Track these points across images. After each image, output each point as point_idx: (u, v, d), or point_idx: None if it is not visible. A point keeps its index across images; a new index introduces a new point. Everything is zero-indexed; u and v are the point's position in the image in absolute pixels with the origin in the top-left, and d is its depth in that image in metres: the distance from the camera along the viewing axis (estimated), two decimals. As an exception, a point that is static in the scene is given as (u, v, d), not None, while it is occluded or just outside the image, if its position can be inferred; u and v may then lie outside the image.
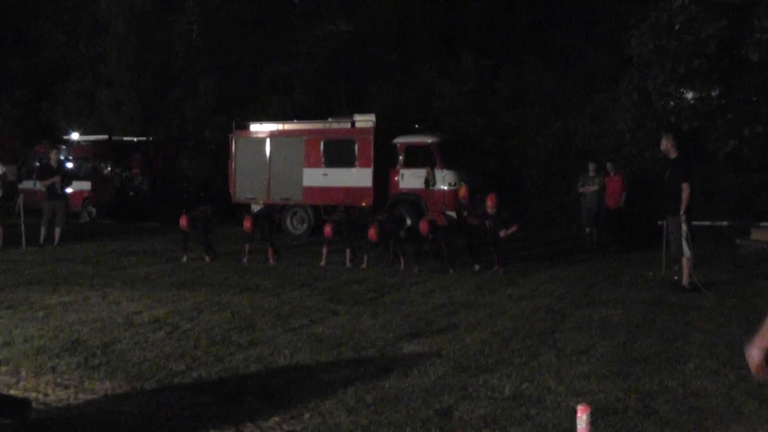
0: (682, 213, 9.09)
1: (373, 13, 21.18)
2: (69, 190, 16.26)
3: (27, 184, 19.17)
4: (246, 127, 18.36)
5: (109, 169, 20.78)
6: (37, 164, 19.01)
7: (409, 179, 15.88)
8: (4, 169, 17.39)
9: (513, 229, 11.45)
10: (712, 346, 6.75)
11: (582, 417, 2.85)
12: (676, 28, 13.88)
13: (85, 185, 19.91)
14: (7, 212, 15.51)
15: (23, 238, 14.59)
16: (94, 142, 21.29)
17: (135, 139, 21.50)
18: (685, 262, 9.43)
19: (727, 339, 6.97)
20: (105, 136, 21.39)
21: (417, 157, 15.79)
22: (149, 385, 5.70)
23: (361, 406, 5.11)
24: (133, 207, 20.71)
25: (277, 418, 4.86)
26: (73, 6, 26.83)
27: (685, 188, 8.95)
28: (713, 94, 14.72)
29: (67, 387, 5.66)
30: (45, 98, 27.16)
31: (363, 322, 7.97)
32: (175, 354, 6.67)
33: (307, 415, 4.93)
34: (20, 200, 15.07)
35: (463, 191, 13.46)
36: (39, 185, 15.60)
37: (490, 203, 11.26)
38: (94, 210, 20.51)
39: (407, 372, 5.95)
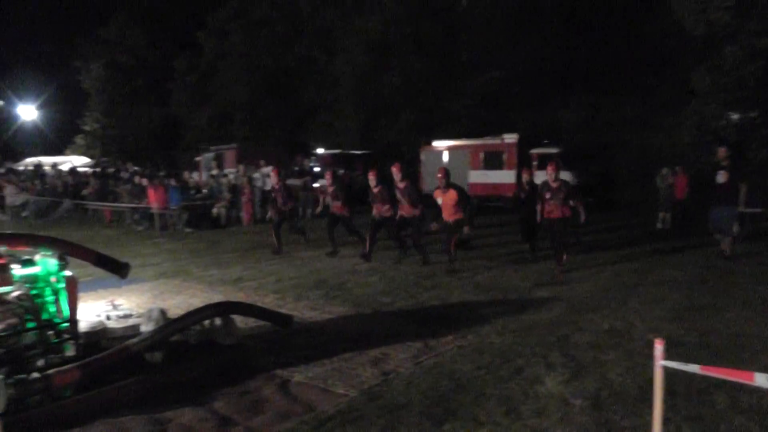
0: (739, 203, 10.38)
1: (516, 64, 27.01)
2: (316, 185, 20.66)
3: (289, 182, 24.16)
4: (430, 143, 24.01)
5: (342, 171, 25.68)
6: (296, 168, 24.42)
7: (540, 178, 18.67)
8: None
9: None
10: (749, 299, 7.78)
11: (658, 347, 3.59)
12: (726, 68, 18.02)
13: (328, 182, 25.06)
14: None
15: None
16: (332, 154, 27.32)
17: (358, 152, 27.47)
18: (730, 239, 10.68)
19: (760, 294, 8.02)
20: (339, 150, 27.97)
21: (545, 162, 18.86)
22: (367, 311, 7.53)
23: (507, 331, 6.55)
24: (356, 197, 25.35)
25: (450, 337, 6.36)
26: (320, 70, 33.93)
27: (743, 186, 10.29)
28: (752, 115, 18.65)
29: (315, 309, 7.66)
30: (301, 127, 35.32)
31: (508, 275, 9.73)
32: (384, 291, 8.62)
33: (470, 336, 6.40)
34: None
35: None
36: (296, 182, 19.83)
37: (550, 169, 10.20)
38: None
39: (538, 310, 7.46)
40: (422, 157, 24.00)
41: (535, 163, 20.33)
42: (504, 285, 9.01)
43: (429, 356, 5.75)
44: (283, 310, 7.25)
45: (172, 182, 18.45)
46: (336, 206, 12.02)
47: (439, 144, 23.70)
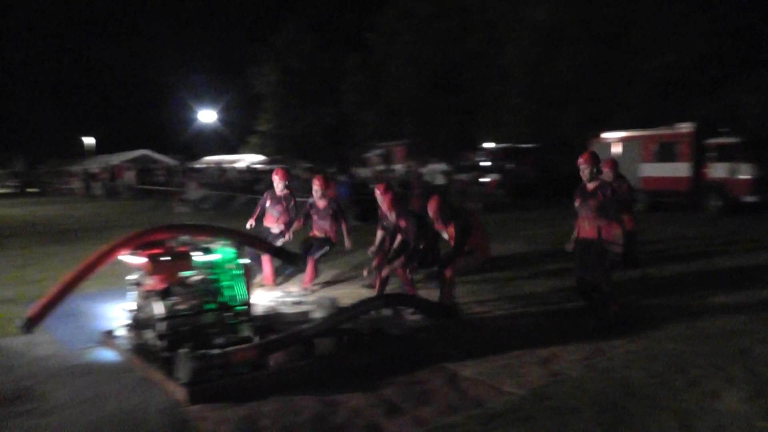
0: None
1: (692, 45, 25.59)
2: (486, 179, 20.97)
3: (458, 177, 24.84)
4: (599, 136, 22.96)
5: (512, 165, 25.84)
6: (464, 163, 24.88)
7: (717, 170, 19.05)
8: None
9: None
10: None
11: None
12: None
13: (497, 176, 25.14)
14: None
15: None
16: (502, 148, 27.18)
17: (527, 146, 27.35)
18: None
19: None
20: (509, 144, 27.75)
21: (723, 154, 19.01)
22: (537, 309, 7.43)
23: (681, 338, 6.15)
24: (525, 189, 25.44)
25: (621, 340, 6.10)
26: (488, 63, 34.29)
27: None
28: None
29: (483, 304, 7.66)
30: (470, 121, 35.60)
31: (686, 279, 9.07)
32: (555, 288, 8.45)
33: (642, 341, 6.10)
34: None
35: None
36: (464, 177, 19.71)
37: (606, 168, 8.76)
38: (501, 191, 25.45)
39: (715, 316, 6.90)
40: (591, 150, 23.18)
41: (711, 154, 19.37)
42: (682, 287, 8.47)
43: (599, 359, 5.57)
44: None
45: (342, 178, 19.32)
46: None
47: (609, 136, 22.85)
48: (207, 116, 48.78)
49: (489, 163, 25.80)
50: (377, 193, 7.86)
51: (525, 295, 8.03)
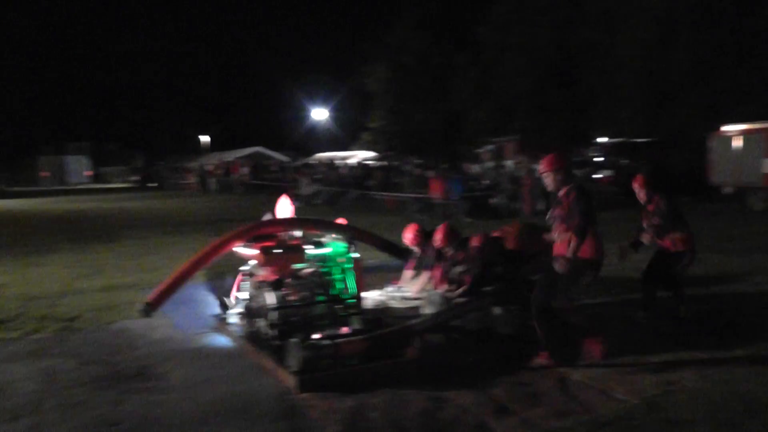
0: None
1: None
2: (598, 176, 21.23)
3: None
4: (719, 129, 21.43)
5: (626, 161, 24.70)
6: (577, 159, 23.78)
7: None
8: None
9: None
10: None
11: None
12: None
13: (610, 173, 24.11)
14: None
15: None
16: (615, 143, 26.37)
17: (642, 140, 26.27)
18: None
19: None
20: (623, 139, 26.90)
21: None
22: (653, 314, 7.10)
23: None
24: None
25: (742, 351, 5.68)
26: (602, 54, 33.45)
27: None
28: None
29: (600, 306, 7.45)
30: (583, 115, 34.80)
31: None
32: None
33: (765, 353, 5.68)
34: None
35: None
36: (577, 173, 19.52)
37: (636, 185, 7.02)
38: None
39: None
40: (710, 144, 21.66)
41: None
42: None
43: (717, 371, 5.24)
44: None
45: (454, 174, 19.42)
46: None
47: (730, 129, 21.20)
48: (319, 114, 50.30)
49: (602, 159, 24.93)
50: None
51: (636, 298, 7.65)
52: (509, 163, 22.65)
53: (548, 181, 5.54)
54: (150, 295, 6.17)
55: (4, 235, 16.82)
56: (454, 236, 6.64)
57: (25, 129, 68.54)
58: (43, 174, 62.82)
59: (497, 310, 6.05)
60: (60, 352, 6.16)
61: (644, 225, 6.80)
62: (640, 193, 6.80)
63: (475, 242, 6.49)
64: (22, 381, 5.33)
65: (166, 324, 6.89)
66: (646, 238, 6.81)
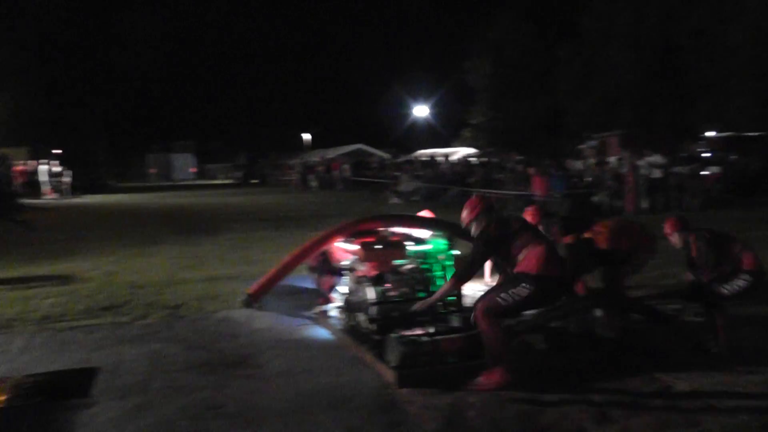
0: None
1: None
2: (706, 172, 20.29)
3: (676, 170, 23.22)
4: None
5: (736, 156, 23.62)
6: (684, 155, 23.19)
7: None
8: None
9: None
10: None
11: None
12: None
13: (718, 169, 22.79)
14: None
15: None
16: (724, 137, 25.45)
17: (753, 134, 25.26)
18: None
19: None
20: (732, 133, 25.93)
21: None
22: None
23: None
24: (750, 184, 22.86)
25: None
26: (712, 43, 32.07)
27: None
28: None
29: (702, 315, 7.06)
30: (691, 108, 33.78)
31: None
32: None
33: None
34: None
35: None
36: (683, 170, 19.30)
37: (669, 231, 6.08)
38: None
39: None
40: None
41: None
42: None
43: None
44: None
45: (556, 171, 19.08)
46: None
47: None
48: (421, 111, 50.55)
49: (709, 155, 23.73)
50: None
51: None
52: (612, 160, 21.99)
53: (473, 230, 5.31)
54: (252, 287, 6.38)
55: (114, 227, 17.79)
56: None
57: (134, 129, 72.46)
58: (151, 171, 66.25)
59: (598, 313, 5.91)
60: (166, 337, 6.48)
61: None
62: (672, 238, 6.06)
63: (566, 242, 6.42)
64: (130, 362, 5.65)
65: (267, 315, 7.10)
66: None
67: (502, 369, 4.82)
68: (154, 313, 7.48)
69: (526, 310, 5.10)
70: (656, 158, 19.39)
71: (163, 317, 7.29)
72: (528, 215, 6.89)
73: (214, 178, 64.21)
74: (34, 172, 33.34)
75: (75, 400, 4.83)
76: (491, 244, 5.10)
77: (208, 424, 4.36)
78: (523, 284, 4.76)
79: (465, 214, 5.34)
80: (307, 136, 61.34)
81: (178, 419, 4.45)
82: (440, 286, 6.15)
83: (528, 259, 4.87)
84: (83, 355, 5.94)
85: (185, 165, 68.16)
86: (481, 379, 4.84)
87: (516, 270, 4.92)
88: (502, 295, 4.80)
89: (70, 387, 5.14)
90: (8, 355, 6.03)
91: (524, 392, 4.75)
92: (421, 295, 5.94)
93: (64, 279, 9.80)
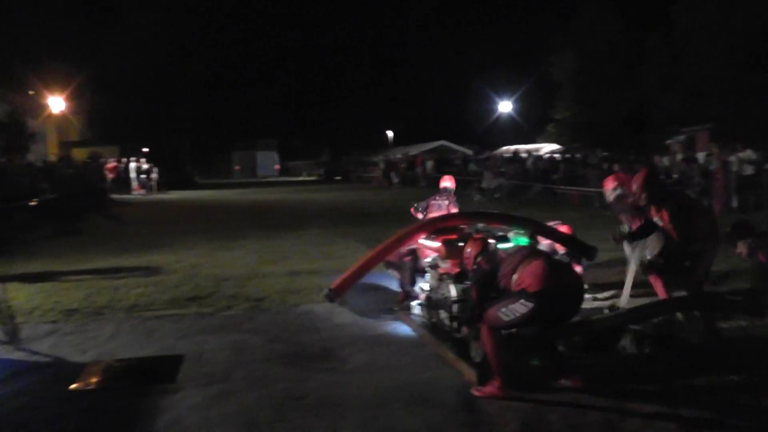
0: None
1: None
2: None
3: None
4: None
5: None
6: None
7: None
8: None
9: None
10: None
11: None
12: None
13: None
14: None
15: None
16: None
17: None
18: None
19: None
20: None
21: None
22: None
23: None
24: None
25: None
26: None
27: None
28: None
29: None
30: None
31: None
32: None
33: None
34: None
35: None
36: None
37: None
38: None
39: None
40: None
41: None
42: None
43: None
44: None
45: (642, 167, 18.49)
46: None
47: None
48: (504, 106, 50.16)
49: None
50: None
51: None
52: (700, 156, 21.07)
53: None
54: (334, 282, 6.44)
55: (199, 222, 18.38)
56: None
57: (220, 127, 74.85)
58: (236, 168, 68.25)
59: (680, 316, 5.71)
60: (248, 328, 6.66)
61: None
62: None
63: None
64: (214, 351, 5.84)
65: (349, 310, 7.19)
66: None
67: (500, 381, 4.69)
68: (237, 305, 7.70)
69: (532, 325, 4.85)
70: (748, 154, 18.38)
71: (246, 309, 7.49)
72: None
73: (298, 175, 65.45)
74: (124, 170, 34.82)
75: (161, 385, 5.04)
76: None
77: (288, 414, 4.45)
78: (522, 301, 4.61)
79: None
80: (390, 133, 61.81)
81: (259, 408, 4.57)
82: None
83: (524, 276, 4.73)
84: (169, 343, 6.18)
85: (269, 162, 69.86)
86: (481, 387, 4.77)
87: (515, 288, 4.77)
88: (503, 310, 4.66)
89: (156, 372, 5.37)
90: (99, 340, 6.38)
91: (607, 397, 4.64)
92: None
93: (151, 270, 10.22)
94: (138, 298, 8.16)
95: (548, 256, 5.20)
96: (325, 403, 4.60)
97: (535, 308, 4.55)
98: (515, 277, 4.78)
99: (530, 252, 5.06)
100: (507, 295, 4.75)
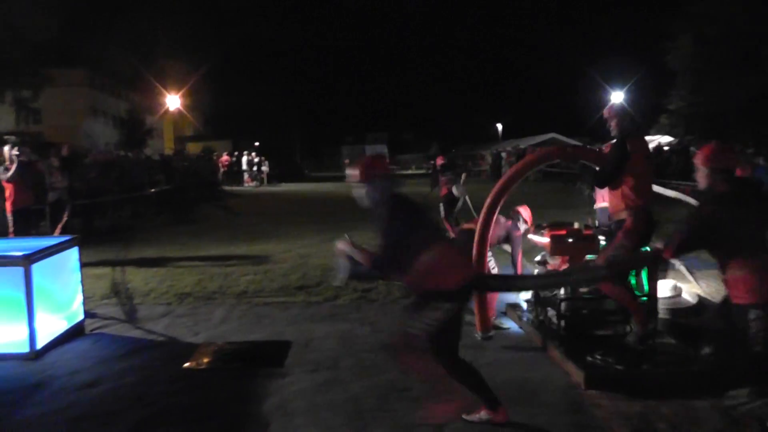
0: None
1: None
2: None
3: None
4: None
5: None
6: None
7: None
8: None
9: None
10: None
11: None
12: None
13: None
14: None
15: None
16: None
17: None
18: None
19: None
20: None
21: None
22: None
23: None
24: None
25: None
26: None
27: None
28: None
29: None
30: None
31: None
32: None
33: None
34: None
35: None
36: None
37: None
38: None
39: None
40: None
41: None
42: None
43: None
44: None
45: (761, 161, 17.41)
46: None
47: None
48: (616, 97, 48.55)
49: None
50: None
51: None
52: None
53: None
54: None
55: (307, 213, 18.82)
56: None
57: (331, 121, 76.35)
58: (346, 161, 69.69)
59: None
60: (355, 318, 6.79)
61: None
62: None
63: None
64: (322, 339, 5.99)
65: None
66: None
67: (455, 402, 4.25)
68: (345, 295, 7.83)
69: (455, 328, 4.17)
70: None
71: (353, 300, 7.61)
72: None
73: (407, 168, 65.87)
74: (236, 163, 36.13)
75: (269, 369, 5.23)
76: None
77: (393, 405, 4.52)
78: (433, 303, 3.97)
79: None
80: (499, 126, 61.23)
81: (365, 397, 4.66)
82: (634, 285, 5.87)
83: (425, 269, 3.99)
84: (277, 329, 6.39)
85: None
86: (435, 405, 4.32)
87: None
88: (416, 324, 3.99)
89: (265, 357, 5.55)
90: (210, 323, 6.71)
91: (719, 404, 4.42)
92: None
93: (260, 259, 10.57)
94: (248, 285, 8.46)
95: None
96: (429, 396, 4.60)
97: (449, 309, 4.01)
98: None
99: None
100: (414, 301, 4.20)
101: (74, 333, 6.37)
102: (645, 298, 5.68)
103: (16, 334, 5.70)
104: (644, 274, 6.00)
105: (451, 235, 10.93)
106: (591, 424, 4.25)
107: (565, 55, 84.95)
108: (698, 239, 4.26)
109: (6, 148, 10.12)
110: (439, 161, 13.86)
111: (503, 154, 41.37)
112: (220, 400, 4.70)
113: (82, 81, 43.62)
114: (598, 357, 4.99)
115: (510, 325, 6.45)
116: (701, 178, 4.43)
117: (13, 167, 9.68)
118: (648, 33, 55.18)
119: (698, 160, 4.48)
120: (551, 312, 5.80)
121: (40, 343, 5.79)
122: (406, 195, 4.45)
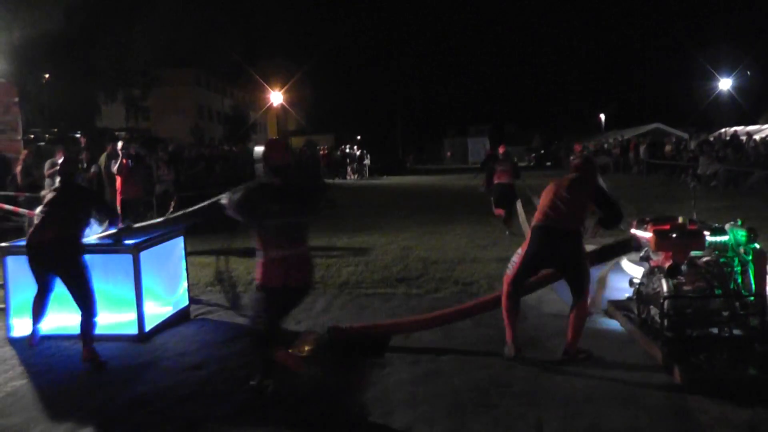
0: None
1: None
2: None
3: None
4: None
5: None
6: None
7: None
8: None
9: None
10: None
11: None
12: None
13: None
14: None
15: None
16: None
17: None
18: None
19: None
20: None
21: None
22: None
23: None
24: None
25: None
26: None
27: None
28: None
29: None
30: None
31: None
32: None
33: None
34: None
35: None
36: None
37: None
38: None
39: None
40: None
41: None
42: None
43: None
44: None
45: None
46: None
47: None
48: (724, 84, 45.81)
49: None
50: None
51: None
52: None
53: None
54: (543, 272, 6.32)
55: (409, 206, 18.91)
56: None
57: (432, 115, 76.55)
58: (448, 154, 69.84)
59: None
60: (457, 311, 6.74)
61: None
62: None
63: None
64: (423, 332, 5.99)
65: (556, 299, 7.03)
66: None
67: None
68: (446, 288, 7.85)
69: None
70: None
71: (454, 293, 7.63)
72: None
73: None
74: (339, 156, 36.73)
75: (370, 359, 5.31)
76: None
77: (493, 401, 4.51)
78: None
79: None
80: (602, 117, 59.67)
81: (465, 391, 4.67)
82: (741, 284, 5.59)
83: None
84: (378, 320, 6.44)
85: (480, 148, 70.29)
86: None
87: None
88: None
89: (366, 347, 5.63)
90: (312, 312, 6.93)
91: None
92: (718, 292, 5.45)
93: (362, 251, 10.72)
94: (349, 276, 8.61)
95: None
96: (529, 393, 4.60)
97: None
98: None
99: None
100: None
101: (180, 318, 6.78)
102: (752, 298, 5.42)
103: (126, 316, 6.17)
104: (751, 272, 5.70)
105: None
106: (695, 430, 4.09)
107: (669, 38, 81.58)
108: None
109: (119, 144, 10.82)
110: (501, 150, 13.58)
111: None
112: (322, 387, 4.79)
113: (189, 80, 45.48)
114: (703, 358, 4.82)
115: (611, 323, 6.28)
116: None
117: (121, 161, 10.32)
118: (758, 15, 52.04)
119: None
120: (654, 311, 5.60)
121: (148, 326, 6.22)
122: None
